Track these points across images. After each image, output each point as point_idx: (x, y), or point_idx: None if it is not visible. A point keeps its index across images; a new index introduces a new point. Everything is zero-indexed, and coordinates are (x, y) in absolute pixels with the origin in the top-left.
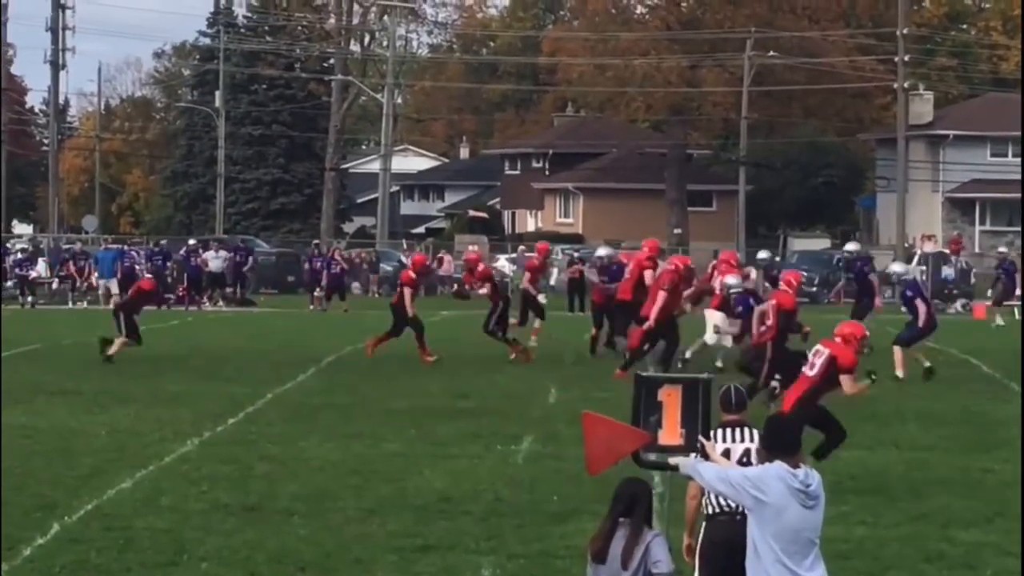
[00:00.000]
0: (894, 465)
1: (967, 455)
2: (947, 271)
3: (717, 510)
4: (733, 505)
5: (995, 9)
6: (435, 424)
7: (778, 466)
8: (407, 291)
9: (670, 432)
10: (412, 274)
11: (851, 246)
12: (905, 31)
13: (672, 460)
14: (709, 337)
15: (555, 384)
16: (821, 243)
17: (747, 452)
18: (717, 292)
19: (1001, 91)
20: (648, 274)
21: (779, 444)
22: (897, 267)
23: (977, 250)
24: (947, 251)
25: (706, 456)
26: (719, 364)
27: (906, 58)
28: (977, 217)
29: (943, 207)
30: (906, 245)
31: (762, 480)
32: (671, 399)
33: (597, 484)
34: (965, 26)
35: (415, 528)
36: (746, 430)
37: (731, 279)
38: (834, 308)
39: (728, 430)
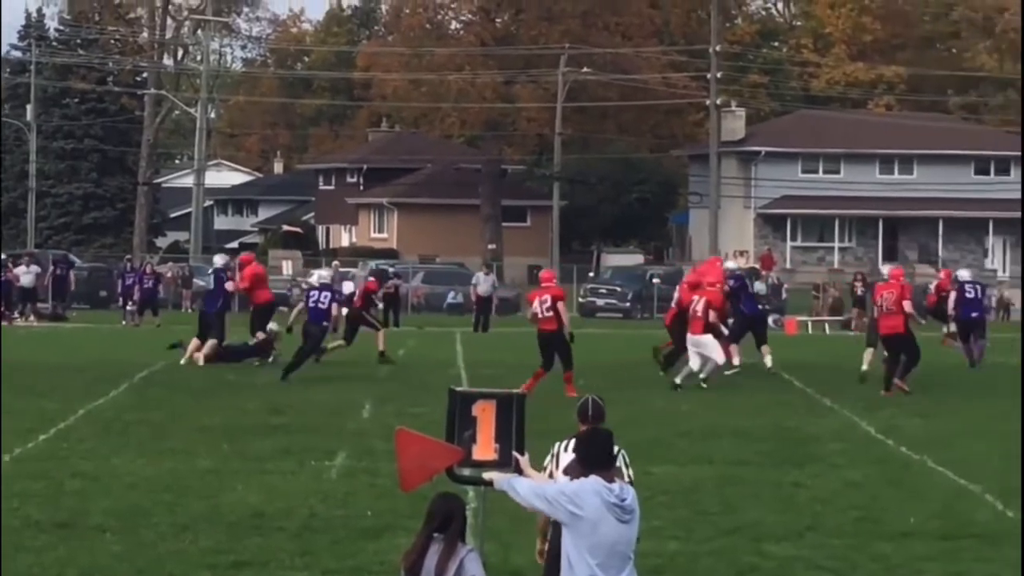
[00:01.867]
0: (707, 480)
1: (779, 470)
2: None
3: None
4: None
5: (806, 27)
6: (249, 440)
7: (594, 480)
8: (560, 305)
9: (484, 447)
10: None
11: (730, 264)
12: (718, 48)
13: (486, 475)
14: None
15: (369, 399)
16: (634, 259)
17: None
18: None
19: (812, 108)
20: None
21: (594, 458)
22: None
23: (788, 265)
24: (758, 266)
25: (521, 471)
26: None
27: (719, 75)
28: (788, 233)
29: (755, 223)
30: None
31: (578, 495)
32: (485, 414)
33: (411, 499)
34: (776, 44)
35: (229, 544)
36: None
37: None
38: (649, 324)
39: (575, 440)
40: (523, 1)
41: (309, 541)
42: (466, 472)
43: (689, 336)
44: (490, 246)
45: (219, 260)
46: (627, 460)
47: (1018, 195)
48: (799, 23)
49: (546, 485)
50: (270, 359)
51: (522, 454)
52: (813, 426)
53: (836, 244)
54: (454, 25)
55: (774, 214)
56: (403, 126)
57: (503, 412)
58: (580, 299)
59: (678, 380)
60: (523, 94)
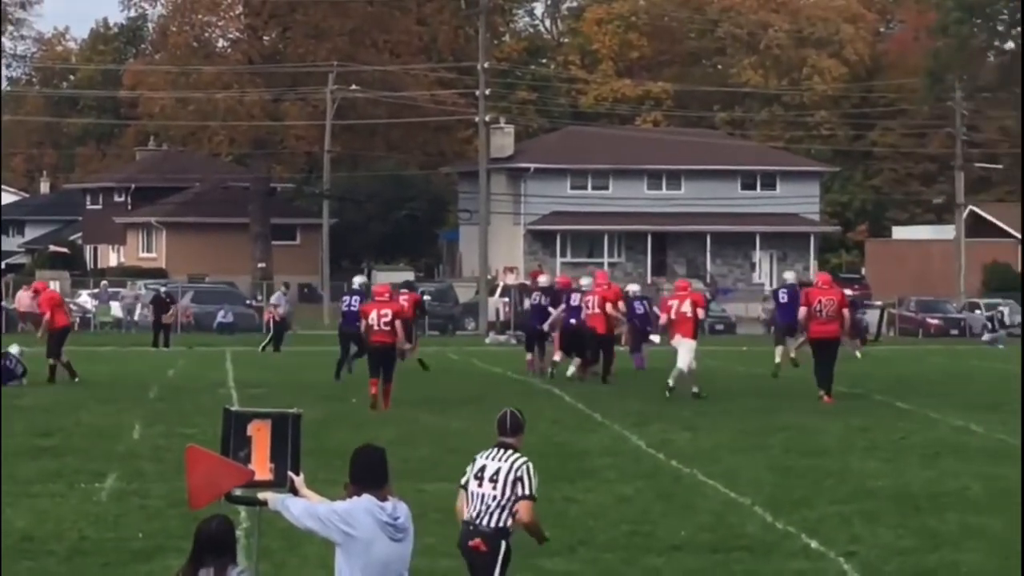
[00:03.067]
0: None
1: (550, 485)
2: (529, 302)
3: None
4: (467, 517)
5: (573, 44)
6: (16, 463)
7: (366, 499)
8: (399, 322)
9: (259, 467)
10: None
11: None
12: (486, 65)
13: (261, 495)
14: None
15: (139, 421)
16: (405, 276)
17: (497, 471)
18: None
19: (580, 124)
20: (609, 306)
21: (367, 476)
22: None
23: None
24: (528, 283)
25: (295, 491)
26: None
27: (487, 92)
28: (558, 249)
29: (525, 239)
30: (489, 277)
31: (350, 514)
32: (260, 434)
33: (182, 520)
34: (544, 60)
35: None
36: (507, 452)
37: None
38: (420, 340)
39: (494, 449)
40: (290, 18)
41: (79, 565)
42: (239, 492)
43: (679, 338)
44: (259, 265)
45: None
46: (531, 472)
47: (783, 210)
48: (566, 40)
49: (319, 506)
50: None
51: (297, 474)
52: (584, 441)
53: (605, 259)
54: (221, 43)
55: (544, 230)
56: (171, 144)
57: (278, 432)
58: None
59: (670, 382)
60: (291, 112)
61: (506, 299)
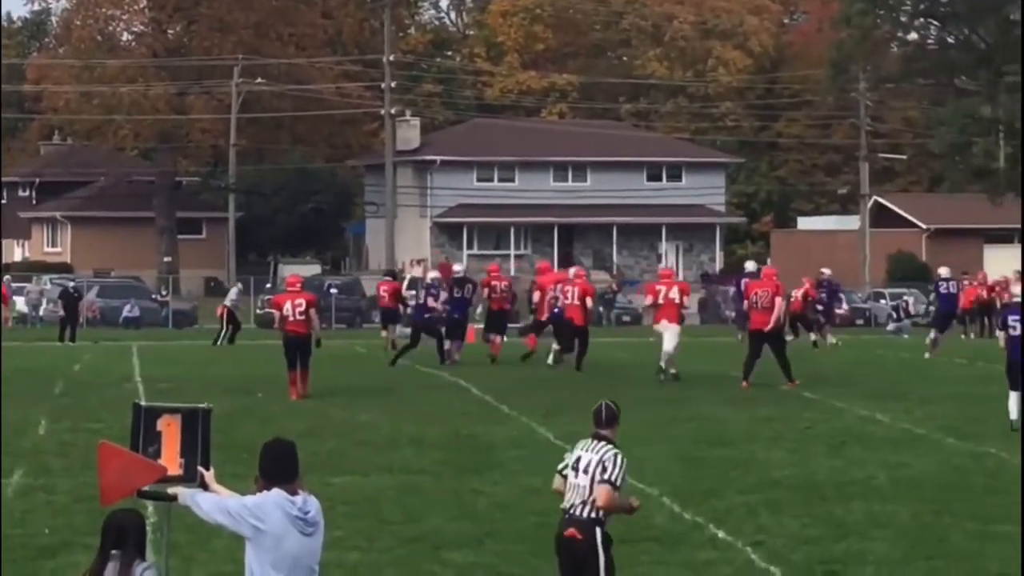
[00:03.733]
0: (387, 489)
1: (458, 478)
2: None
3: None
4: (564, 506)
5: (479, 36)
6: None
7: (276, 494)
8: (313, 311)
9: (169, 462)
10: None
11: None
12: (391, 58)
13: (171, 490)
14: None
15: (45, 416)
16: (312, 269)
17: (589, 462)
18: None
19: (486, 116)
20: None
21: (277, 470)
22: None
23: (465, 274)
24: (438, 276)
25: (205, 486)
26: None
27: (392, 85)
28: (465, 241)
29: (432, 232)
30: (396, 270)
31: (260, 508)
32: (170, 429)
33: (89, 516)
34: (450, 53)
35: None
36: (600, 443)
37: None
38: (327, 333)
39: (590, 440)
40: (195, 12)
41: None
42: (148, 488)
43: (665, 323)
44: (165, 259)
45: None
46: (617, 461)
47: (689, 201)
48: (472, 32)
49: (229, 500)
50: None
51: (207, 469)
52: (492, 433)
53: (512, 251)
54: (126, 37)
55: (450, 222)
56: (75, 139)
57: (188, 427)
58: (258, 311)
59: (663, 364)
60: (197, 105)
61: (413, 292)
